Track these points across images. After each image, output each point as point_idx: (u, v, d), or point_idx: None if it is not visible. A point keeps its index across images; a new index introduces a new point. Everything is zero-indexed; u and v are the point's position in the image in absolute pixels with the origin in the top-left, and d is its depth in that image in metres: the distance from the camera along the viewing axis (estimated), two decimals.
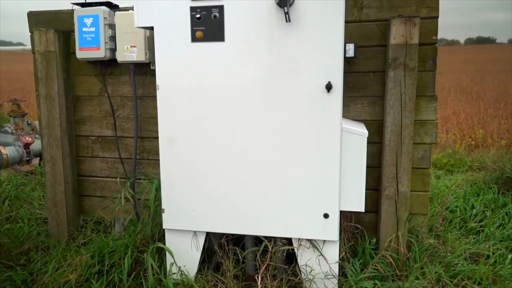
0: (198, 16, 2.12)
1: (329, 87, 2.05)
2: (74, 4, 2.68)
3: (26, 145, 4.81)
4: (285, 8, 1.98)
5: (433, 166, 5.26)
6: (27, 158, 4.83)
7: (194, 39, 2.15)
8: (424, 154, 2.48)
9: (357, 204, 2.20)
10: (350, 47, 2.31)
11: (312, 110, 2.08)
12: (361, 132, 2.14)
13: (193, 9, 2.13)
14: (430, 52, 2.39)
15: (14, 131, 4.95)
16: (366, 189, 2.52)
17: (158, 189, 2.48)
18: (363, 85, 2.49)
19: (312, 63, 2.05)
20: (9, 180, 4.00)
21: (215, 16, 2.11)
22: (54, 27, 2.77)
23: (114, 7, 2.69)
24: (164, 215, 2.35)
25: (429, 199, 3.31)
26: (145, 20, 2.23)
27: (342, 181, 2.17)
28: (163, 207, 2.34)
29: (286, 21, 1.99)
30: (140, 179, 2.83)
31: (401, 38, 2.28)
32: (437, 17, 2.36)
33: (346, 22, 2.42)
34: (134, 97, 2.69)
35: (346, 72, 2.49)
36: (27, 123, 5.64)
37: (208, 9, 2.11)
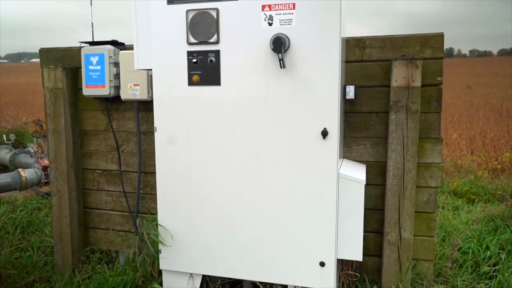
0: (194, 60, 2.13)
1: (324, 133, 2.00)
2: (82, 42, 2.75)
3: (45, 168, 4.95)
4: (280, 54, 1.96)
5: (453, 194, 5.08)
6: (45, 180, 4.97)
7: (190, 82, 2.16)
8: (429, 198, 2.38)
9: (355, 252, 2.13)
10: (350, 89, 2.26)
11: (308, 156, 2.04)
12: (358, 179, 2.08)
13: (190, 53, 2.14)
14: (435, 93, 2.31)
15: (33, 154, 5.11)
16: (369, 232, 2.47)
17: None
18: (366, 126, 2.43)
19: (308, 109, 2.02)
20: (25, 204, 4.11)
21: (211, 61, 2.11)
22: (64, 63, 2.85)
23: (119, 45, 2.74)
24: (161, 256, 2.35)
25: (442, 238, 3.18)
26: (144, 63, 2.27)
27: (339, 229, 2.11)
28: (160, 248, 2.34)
29: (281, 67, 1.97)
30: (143, 213, 2.84)
31: (402, 80, 2.22)
32: (442, 58, 2.28)
33: (348, 61, 2.39)
34: (137, 133, 2.72)
35: (348, 112, 2.44)
36: None
37: (205, 53, 2.12)
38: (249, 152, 2.12)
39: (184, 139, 2.21)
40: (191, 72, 2.15)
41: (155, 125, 2.25)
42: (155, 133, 2.26)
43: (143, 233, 2.47)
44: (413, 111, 2.22)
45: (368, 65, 2.39)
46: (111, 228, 2.95)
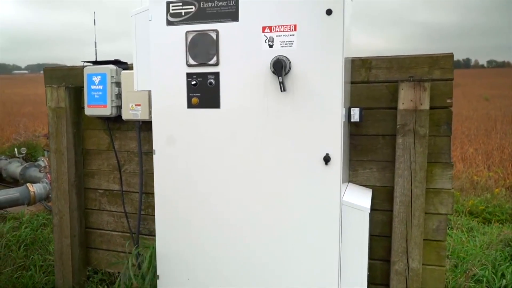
0: (193, 82, 2.08)
1: (327, 159, 1.92)
2: (85, 62, 2.74)
3: None
4: (280, 78, 1.90)
5: (469, 213, 4.91)
6: None
7: (190, 105, 2.11)
8: (439, 226, 2.26)
9: (359, 284, 2.02)
10: (355, 112, 2.18)
11: (309, 183, 1.96)
12: (362, 207, 1.99)
13: (189, 75, 2.09)
14: (445, 116, 2.21)
15: (41, 169, 5.13)
16: (376, 259, 2.36)
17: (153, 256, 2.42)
18: (372, 149, 2.34)
19: (309, 134, 1.94)
20: (31, 220, 4.10)
21: (210, 83, 2.06)
22: (68, 82, 2.84)
23: (122, 64, 2.71)
24: (158, 282, 2.28)
25: (454, 264, 3.05)
26: (143, 84, 2.24)
27: (342, 258, 2.01)
28: (158, 273, 2.28)
29: (281, 90, 1.90)
30: (145, 234, 2.79)
31: (410, 103, 2.13)
32: (452, 79, 2.18)
33: (353, 82, 2.31)
34: (139, 153, 2.68)
35: (354, 135, 2.35)
36: None
37: (204, 75, 2.07)
38: (249, 177, 2.05)
39: (183, 163, 2.15)
40: (190, 94, 2.10)
41: (154, 147, 2.20)
42: (154, 155, 2.21)
43: (137, 254, 2.42)
44: (421, 135, 2.13)
45: (375, 86, 2.30)
46: (111, 249, 2.90)
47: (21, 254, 3.39)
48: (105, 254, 2.94)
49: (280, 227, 2.03)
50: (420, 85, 2.10)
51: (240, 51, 2.00)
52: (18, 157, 6.05)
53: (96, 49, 2.77)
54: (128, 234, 2.86)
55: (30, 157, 6.90)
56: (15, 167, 5.86)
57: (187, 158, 2.14)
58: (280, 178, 2.00)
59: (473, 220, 4.59)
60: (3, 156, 6.24)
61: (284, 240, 2.03)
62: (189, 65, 2.08)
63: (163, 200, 2.21)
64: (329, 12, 1.86)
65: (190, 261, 2.19)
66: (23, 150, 6.00)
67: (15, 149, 6.09)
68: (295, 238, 2.01)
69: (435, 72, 2.20)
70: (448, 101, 2.19)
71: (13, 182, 5.94)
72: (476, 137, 10.18)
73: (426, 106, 2.11)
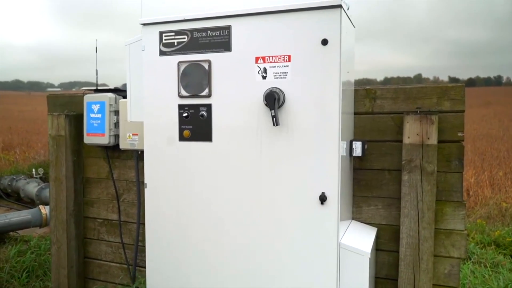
0: (185, 114, 2.00)
1: (323, 198, 1.78)
2: (86, 89, 2.71)
3: None
4: (272, 111, 1.79)
5: (496, 245, 4.59)
6: None
7: (181, 138, 2.03)
8: (452, 270, 2.07)
9: None
10: (357, 146, 2.04)
11: (304, 224, 1.83)
12: (361, 251, 1.82)
13: (181, 107, 2.01)
14: (456, 150, 2.03)
15: None
16: None
17: None
18: (377, 184, 2.18)
19: (304, 171, 1.81)
20: (38, 245, 4.07)
21: (202, 115, 1.97)
22: (70, 110, 2.82)
23: (122, 92, 2.66)
24: None
25: None
26: (136, 116, 2.18)
27: None
28: None
29: (274, 124, 1.79)
30: (142, 267, 2.69)
31: (416, 137, 1.97)
32: (463, 111, 2.02)
33: (357, 113, 2.19)
34: (137, 184, 2.61)
35: (357, 169, 2.20)
36: None
37: (196, 107, 1.98)
38: (241, 215, 1.93)
39: (174, 198, 2.06)
40: (182, 126, 2.02)
41: (145, 181, 2.12)
42: (145, 189, 2.13)
43: None
44: (428, 172, 1.96)
45: (379, 118, 2.16)
46: (109, 281, 2.81)
47: (23, 281, 3.35)
48: (103, 285, 2.86)
49: (273, 269, 1.89)
50: (427, 118, 1.95)
51: (233, 82, 1.91)
52: (35, 177, 6.13)
53: (97, 77, 2.74)
54: (126, 266, 2.77)
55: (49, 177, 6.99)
56: (32, 188, 5.93)
57: (178, 192, 2.04)
58: (274, 217, 1.88)
59: (499, 253, 4.27)
60: (22, 176, 6.34)
61: (278, 283, 1.88)
62: (181, 97, 2.00)
63: (154, 236, 2.12)
64: (324, 42, 1.74)
65: None
66: (40, 171, 6.08)
67: (33, 169, 6.18)
68: (289, 283, 1.87)
69: (444, 103, 2.04)
70: (460, 134, 2.02)
71: (30, 202, 6.00)
72: (506, 160, 9.69)
73: (433, 140, 1.94)
